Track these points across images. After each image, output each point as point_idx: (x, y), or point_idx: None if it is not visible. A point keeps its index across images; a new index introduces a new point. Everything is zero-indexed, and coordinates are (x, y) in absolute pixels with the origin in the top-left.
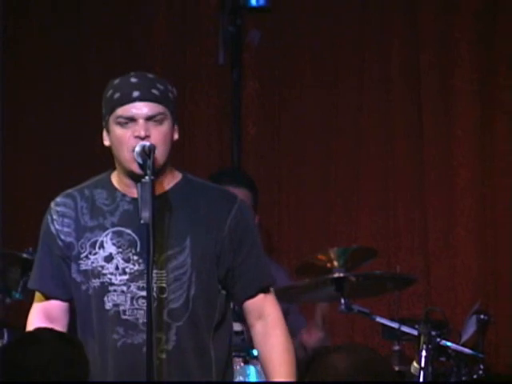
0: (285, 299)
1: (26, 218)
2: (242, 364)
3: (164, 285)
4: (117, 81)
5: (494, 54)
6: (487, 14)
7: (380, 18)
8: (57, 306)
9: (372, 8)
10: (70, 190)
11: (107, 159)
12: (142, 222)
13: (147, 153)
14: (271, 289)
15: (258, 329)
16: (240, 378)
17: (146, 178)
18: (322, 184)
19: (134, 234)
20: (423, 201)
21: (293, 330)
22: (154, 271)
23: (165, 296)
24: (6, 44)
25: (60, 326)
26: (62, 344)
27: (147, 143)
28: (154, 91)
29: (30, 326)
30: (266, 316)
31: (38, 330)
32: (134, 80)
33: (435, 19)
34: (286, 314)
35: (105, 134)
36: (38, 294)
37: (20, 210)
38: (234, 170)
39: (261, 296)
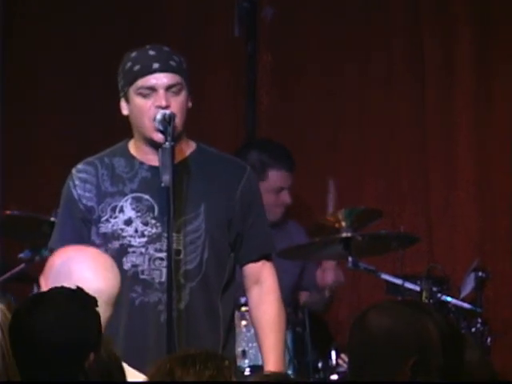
0: (299, 257)
1: (49, 183)
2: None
3: (180, 247)
4: (134, 54)
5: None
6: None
7: (384, 5)
8: None
9: None
10: (90, 158)
11: (125, 128)
12: (162, 184)
13: (168, 120)
14: (271, 257)
15: (254, 293)
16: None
17: (167, 143)
18: (331, 150)
19: (152, 200)
20: (425, 166)
21: (308, 286)
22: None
23: (180, 258)
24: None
25: None
26: (70, 303)
27: (168, 111)
28: (172, 62)
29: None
30: (262, 281)
31: (49, 290)
32: (152, 52)
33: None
34: (303, 269)
35: (123, 103)
36: None
37: (43, 177)
38: (284, 149)
39: (261, 262)
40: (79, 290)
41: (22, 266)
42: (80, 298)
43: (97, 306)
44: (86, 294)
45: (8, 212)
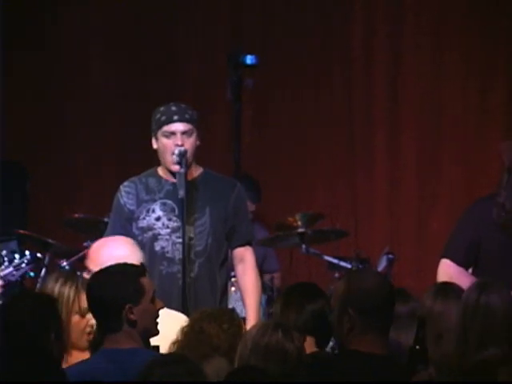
0: (267, 244)
1: (103, 194)
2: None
3: (192, 235)
4: (162, 108)
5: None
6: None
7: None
8: None
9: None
10: (132, 178)
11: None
12: (179, 197)
13: (182, 154)
14: (252, 243)
15: (239, 269)
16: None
17: (181, 170)
18: (295, 173)
19: (173, 204)
20: (353, 184)
21: (268, 269)
22: (187, 227)
23: (192, 242)
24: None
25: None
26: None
27: (182, 148)
28: (187, 115)
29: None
30: (245, 261)
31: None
32: (173, 108)
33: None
34: (264, 258)
35: (154, 141)
36: None
37: (100, 190)
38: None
39: (244, 247)
40: (125, 263)
41: (85, 251)
42: (120, 267)
43: (140, 274)
44: (125, 264)
45: (77, 215)
